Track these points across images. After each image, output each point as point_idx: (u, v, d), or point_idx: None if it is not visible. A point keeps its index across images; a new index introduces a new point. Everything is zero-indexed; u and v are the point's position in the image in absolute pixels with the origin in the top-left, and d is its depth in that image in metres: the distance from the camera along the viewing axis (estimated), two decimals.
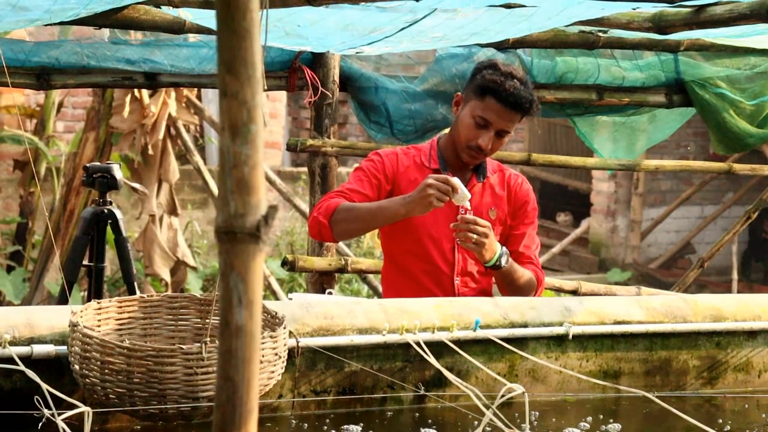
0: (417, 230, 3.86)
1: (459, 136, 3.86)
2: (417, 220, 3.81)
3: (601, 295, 5.44)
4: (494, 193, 3.97)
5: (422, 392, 3.41)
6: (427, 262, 3.89)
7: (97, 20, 4.67)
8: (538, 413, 3.37)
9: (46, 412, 2.73)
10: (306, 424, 3.21)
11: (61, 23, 4.57)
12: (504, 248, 3.75)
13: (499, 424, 2.89)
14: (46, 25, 4.67)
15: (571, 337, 3.59)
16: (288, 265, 5.02)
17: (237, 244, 1.39)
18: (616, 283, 10.72)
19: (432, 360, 3.24)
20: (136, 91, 7.23)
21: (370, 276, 7.08)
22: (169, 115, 7.43)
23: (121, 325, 3.16)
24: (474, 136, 3.81)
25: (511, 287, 3.82)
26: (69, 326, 2.91)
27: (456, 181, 3.55)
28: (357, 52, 5.03)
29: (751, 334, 3.88)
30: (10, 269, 8.07)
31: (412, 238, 3.87)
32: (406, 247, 3.91)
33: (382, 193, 3.86)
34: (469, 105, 3.82)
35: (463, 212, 3.77)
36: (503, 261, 3.72)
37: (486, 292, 3.93)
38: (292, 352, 3.16)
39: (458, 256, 3.89)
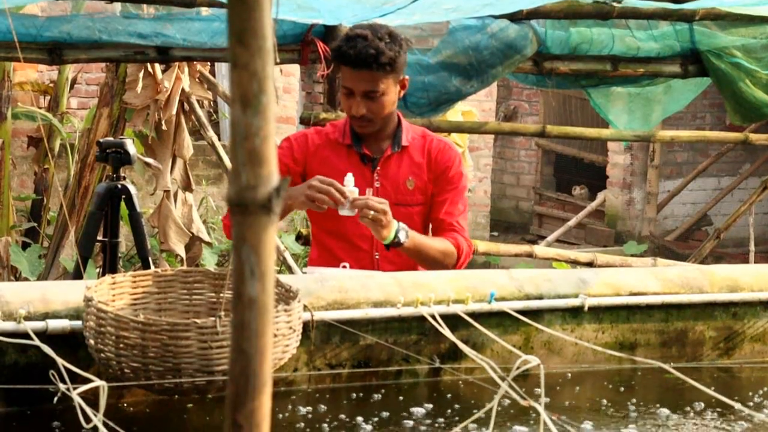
0: (333, 210, 3.84)
1: (344, 110, 3.87)
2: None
3: (616, 266, 5.42)
4: (413, 161, 3.87)
5: (437, 365, 3.40)
6: (345, 241, 3.84)
7: None
8: (553, 385, 3.36)
9: (62, 386, 2.73)
10: (321, 398, 3.21)
11: None
12: (401, 224, 3.67)
13: (515, 396, 2.88)
14: (58, 0, 4.65)
15: (586, 308, 3.58)
16: (302, 239, 5.02)
17: (248, 216, 1.38)
18: (633, 256, 10.69)
19: (447, 333, 3.23)
20: (149, 66, 7.20)
21: None
22: (183, 90, 7.40)
23: (135, 299, 3.16)
24: (348, 107, 3.79)
25: (425, 263, 3.76)
26: (83, 301, 2.91)
27: (346, 190, 3.57)
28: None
29: None
30: (25, 246, 8.08)
31: (330, 218, 3.81)
32: (326, 228, 3.87)
33: (294, 175, 3.82)
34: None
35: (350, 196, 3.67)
36: (402, 237, 3.65)
37: (411, 267, 3.81)
38: (306, 326, 3.15)
39: None
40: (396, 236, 3.64)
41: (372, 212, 3.56)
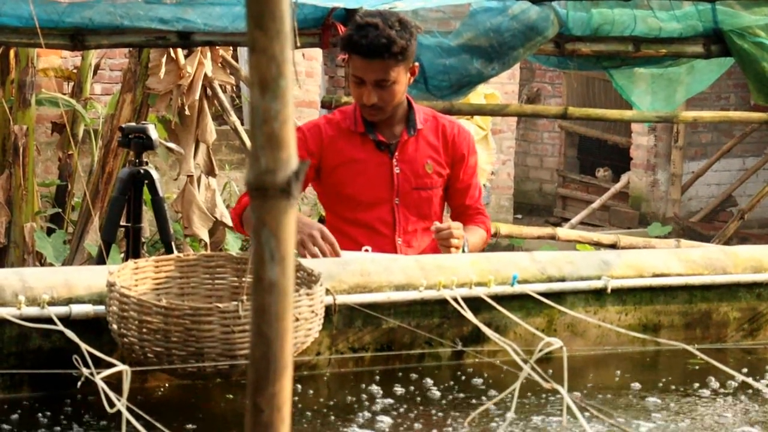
0: (353, 198, 3.81)
1: (354, 98, 3.85)
2: (351, 189, 3.81)
3: (639, 248, 5.40)
4: (429, 143, 3.87)
5: (460, 348, 3.40)
6: (365, 228, 3.85)
7: None
8: (577, 368, 3.35)
9: (85, 371, 2.75)
10: (344, 381, 3.22)
11: None
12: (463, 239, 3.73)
13: (538, 378, 2.88)
14: None
15: (609, 290, 3.56)
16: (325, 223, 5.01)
17: (268, 200, 1.38)
18: (657, 238, 10.65)
19: (469, 315, 3.23)
20: (171, 51, 7.21)
21: None
22: (205, 75, 7.41)
23: (158, 284, 3.17)
24: (358, 95, 3.76)
25: None
26: (106, 286, 2.92)
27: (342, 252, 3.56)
28: (390, 8, 4.99)
29: None
30: (50, 232, 8.11)
31: (349, 206, 3.82)
32: (345, 215, 3.87)
33: (310, 169, 3.81)
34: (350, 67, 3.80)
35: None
36: (466, 250, 3.71)
37: (431, 250, 3.82)
38: (329, 310, 3.16)
39: (398, 216, 3.83)
40: (463, 251, 3.69)
41: (456, 240, 3.60)
